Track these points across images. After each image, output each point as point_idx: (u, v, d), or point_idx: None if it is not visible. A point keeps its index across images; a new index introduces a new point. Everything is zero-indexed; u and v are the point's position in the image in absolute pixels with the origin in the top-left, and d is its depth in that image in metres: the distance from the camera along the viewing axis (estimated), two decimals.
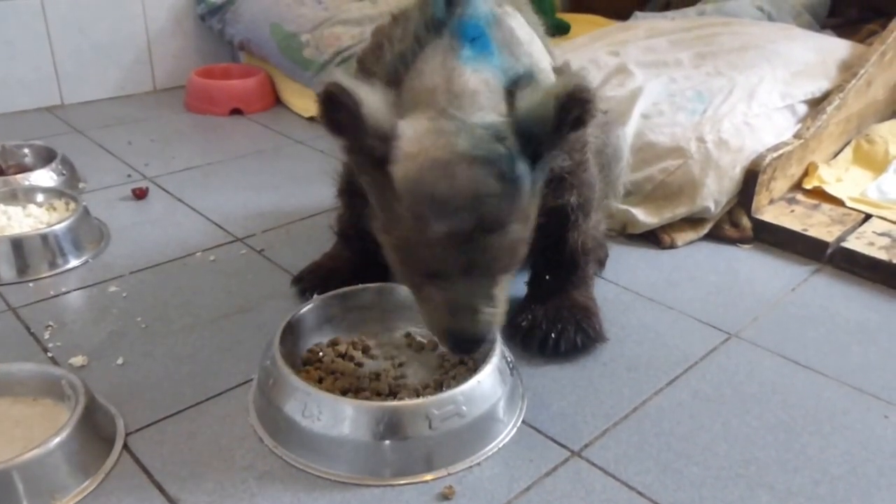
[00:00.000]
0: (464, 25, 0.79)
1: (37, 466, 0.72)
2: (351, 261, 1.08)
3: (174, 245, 1.25)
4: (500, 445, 0.82)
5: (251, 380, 0.91)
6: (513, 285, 1.11)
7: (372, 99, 0.70)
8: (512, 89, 0.76)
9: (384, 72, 0.81)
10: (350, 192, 1.07)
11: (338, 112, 0.69)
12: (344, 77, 0.69)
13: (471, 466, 0.79)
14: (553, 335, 0.96)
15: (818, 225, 1.28)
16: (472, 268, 0.73)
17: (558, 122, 0.70)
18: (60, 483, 0.73)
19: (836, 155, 1.52)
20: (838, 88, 1.45)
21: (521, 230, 0.75)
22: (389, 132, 0.71)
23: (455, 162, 0.70)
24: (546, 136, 0.72)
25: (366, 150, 0.71)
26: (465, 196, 0.69)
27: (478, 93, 0.75)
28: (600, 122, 1.06)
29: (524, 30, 0.88)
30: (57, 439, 0.73)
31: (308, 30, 1.91)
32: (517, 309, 1.02)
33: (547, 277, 1.03)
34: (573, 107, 0.69)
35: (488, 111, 0.74)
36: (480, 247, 0.71)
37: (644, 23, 1.82)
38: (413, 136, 0.71)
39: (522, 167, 0.72)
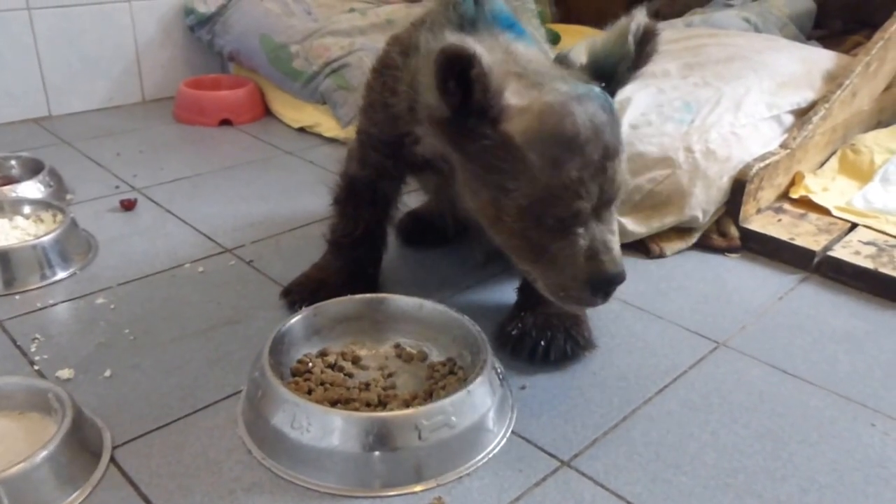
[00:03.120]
0: (497, 17, 0.84)
1: (23, 481, 0.71)
2: (340, 271, 1.08)
3: (163, 256, 1.24)
4: (490, 456, 0.82)
5: (240, 391, 0.90)
6: (503, 293, 1.13)
7: (488, 57, 0.72)
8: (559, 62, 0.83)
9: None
10: (347, 201, 1.07)
11: (456, 73, 0.70)
12: (462, 38, 0.71)
13: (460, 477, 0.79)
14: (543, 343, 0.96)
15: (805, 234, 1.29)
16: (603, 200, 0.77)
17: (637, 57, 0.76)
18: (47, 497, 0.73)
19: (822, 164, 1.54)
20: (824, 99, 1.47)
21: (624, 158, 0.80)
22: (501, 89, 0.73)
23: (566, 102, 0.74)
24: (623, 73, 0.78)
25: (481, 110, 0.73)
26: (588, 128, 0.74)
27: (541, 60, 0.81)
28: None
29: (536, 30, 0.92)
30: (43, 453, 0.73)
31: (297, 41, 1.92)
32: (507, 317, 1.02)
33: None
34: (649, 40, 0.76)
35: (557, 69, 0.79)
36: (609, 175, 0.76)
37: None
38: (511, 93, 0.74)
39: (611, 100, 0.78)
